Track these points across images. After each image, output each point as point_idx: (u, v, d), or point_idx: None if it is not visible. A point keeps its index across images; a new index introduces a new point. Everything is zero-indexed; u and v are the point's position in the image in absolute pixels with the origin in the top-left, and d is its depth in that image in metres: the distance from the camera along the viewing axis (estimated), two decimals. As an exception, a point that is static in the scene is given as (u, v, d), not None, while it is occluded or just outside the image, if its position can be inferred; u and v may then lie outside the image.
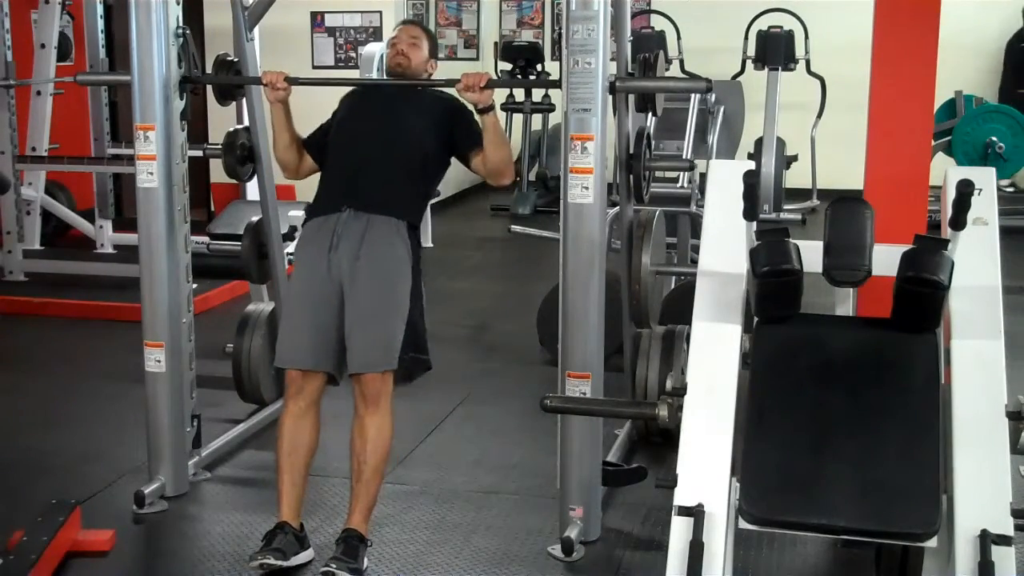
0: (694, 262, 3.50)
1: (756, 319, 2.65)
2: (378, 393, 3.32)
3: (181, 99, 3.79)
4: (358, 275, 3.34)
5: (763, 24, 8.97)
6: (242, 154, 4.21)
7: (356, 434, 3.32)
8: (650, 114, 3.93)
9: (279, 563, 3.20)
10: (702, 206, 3.76)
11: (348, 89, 3.81)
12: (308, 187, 3.92)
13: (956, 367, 2.51)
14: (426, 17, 10.09)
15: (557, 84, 3.43)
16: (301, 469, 3.37)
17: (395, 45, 3.67)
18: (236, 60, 4.15)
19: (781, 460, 2.41)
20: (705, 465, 2.45)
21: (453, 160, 3.65)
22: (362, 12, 9.18)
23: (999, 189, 3.00)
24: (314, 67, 9.22)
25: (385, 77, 3.86)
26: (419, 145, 3.52)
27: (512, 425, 4.61)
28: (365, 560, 3.27)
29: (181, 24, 3.77)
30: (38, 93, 7.66)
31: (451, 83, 3.53)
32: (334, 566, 3.17)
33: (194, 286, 4.02)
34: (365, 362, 3.31)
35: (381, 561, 3.37)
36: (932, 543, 2.34)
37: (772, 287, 2.55)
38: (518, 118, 8.90)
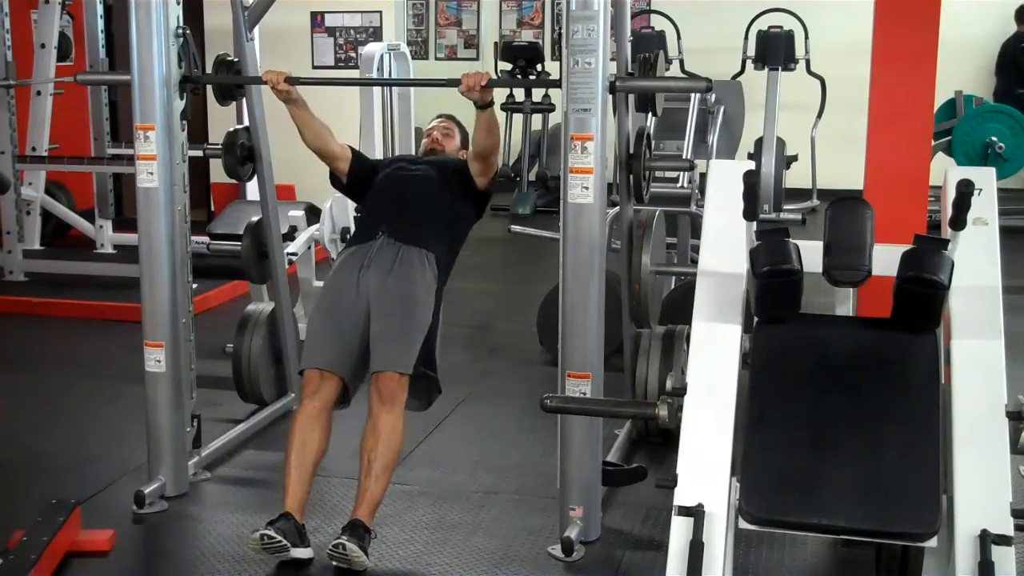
0: (694, 262, 3.50)
1: (756, 319, 2.65)
2: (394, 393, 3.40)
3: (181, 99, 3.79)
4: (386, 291, 3.51)
5: (763, 24, 8.96)
6: (242, 154, 4.21)
7: (369, 432, 3.37)
8: (650, 114, 3.93)
9: (279, 538, 3.21)
10: (702, 206, 3.76)
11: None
12: (308, 187, 3.93)
13: (956, 367, 2.51)
14: (426, 17, 10.09)
15: (557, 84, 3.43)
16: (309, 467, 3.40)
17: (431, 134, 4.08)
18: (236, 60, 4.15)
19: (781, 460, 2.41)
20: (705, 465, 2.45)
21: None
22: (362, 12, 9.18)
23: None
24: (314, 67, 9.22)
25: (419, 155, 4.12)
26: (447, 191, 3.77)
27: (512, 425, 4.61)
28: (368, 552, 3.27)
29: (181, 24, 3.76)
30: (38, 93, 7.67)
31: (452, 83, 3.54)
32: (345, 538, 3.19)
33: (194, 286, 4.02)
34: (387, 361, 3.42)
35: (381, 561, 3.37)
36: (932, 543, 2.33)
37: (772, 287, 2.55)
38: (518, 118, 8.89)
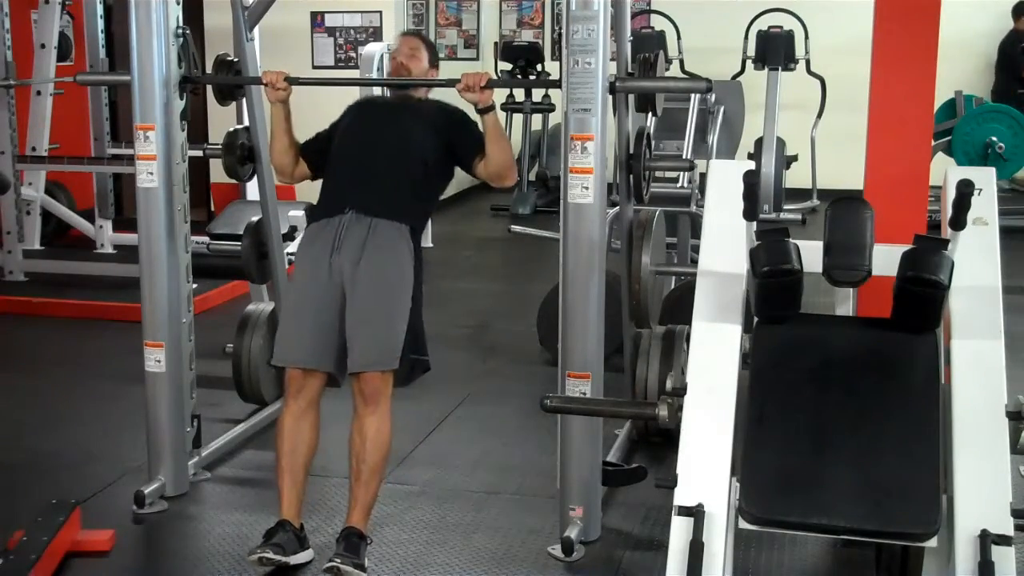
0: (694, 262, 3.50)
1: (756, 319, 2.65)
2: (378, 392, 3.32)
3: (181, 99, 3.79)
4: (360, 277, 3.35)
5: (763, 24, 8.97)
6: (242, 154, 4.21)
7: (355, 433, 3.33)
8: (650, 114, 3.93)
9: (278, 557, 3.20)
10: (702, 206, 3.76)
11: (345, 98, 3.82)
12: (308, 187, 3.92)
13: (956, 367, 2.51)
14: (426, 17, 10.09)
15: (557, 84, 3.42)
16: (301, 468, 3.37)
17: (395, 58, 3.74)
18: (236, 60, 4.14)
19: (781, 460, 2.41)
20: (705, 465, 2.45)
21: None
22: (362, 12, 9.18)
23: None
24: (314, 67, 9.22)
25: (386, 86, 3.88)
26: (421, 154, 3.52)
27: (512, 425, 4.61)
28: (366, 559, 3.27)
29: (181, 24, 3.77)
30: (38, 93, 7.67)
31: (451, 83, 3.53)
32: (338, 561, 3.17)
33: (194, 286, 4.02)
34: (366, 361, 3.31)
35: (381, 561, 3.37)
36: (932, 543, 2.34)
37: (772, 287, 2.56)
38: (518, 118, 8.89)
